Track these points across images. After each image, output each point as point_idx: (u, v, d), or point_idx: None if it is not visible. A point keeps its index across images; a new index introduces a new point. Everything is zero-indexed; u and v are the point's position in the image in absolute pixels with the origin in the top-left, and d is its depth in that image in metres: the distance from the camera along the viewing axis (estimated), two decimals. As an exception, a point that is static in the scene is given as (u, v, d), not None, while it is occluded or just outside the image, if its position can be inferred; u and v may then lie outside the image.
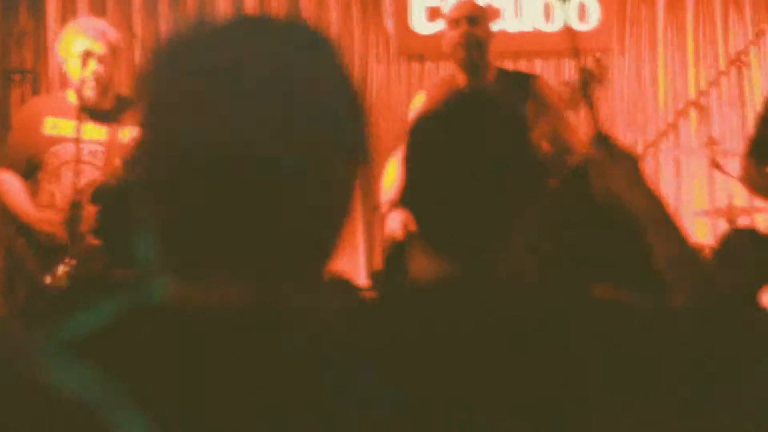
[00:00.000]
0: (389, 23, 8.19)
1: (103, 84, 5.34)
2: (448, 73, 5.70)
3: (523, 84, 5.06)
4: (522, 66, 8.15)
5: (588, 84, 4.68)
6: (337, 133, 1.26)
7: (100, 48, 5.33)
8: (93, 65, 5.29)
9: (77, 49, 5.31)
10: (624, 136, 8.06)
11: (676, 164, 7.99)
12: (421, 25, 8.10)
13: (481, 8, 5.36)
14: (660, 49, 8.19)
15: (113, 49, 5.41)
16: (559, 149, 4.76)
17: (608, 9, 8.11)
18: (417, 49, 8.16)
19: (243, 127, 1.19)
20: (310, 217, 1.23)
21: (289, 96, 1.21)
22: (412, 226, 4.69)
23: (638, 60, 8.21)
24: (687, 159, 7.86)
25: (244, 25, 1.33)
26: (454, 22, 5.04)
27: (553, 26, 8.09)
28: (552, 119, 4.75)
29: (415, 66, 8.26)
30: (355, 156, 1.29)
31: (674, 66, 8.18)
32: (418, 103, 5.25)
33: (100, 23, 5.73)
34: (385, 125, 8.06)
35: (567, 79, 4.88)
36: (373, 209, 7.45)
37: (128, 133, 5.19)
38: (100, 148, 5.34)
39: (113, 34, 5.49)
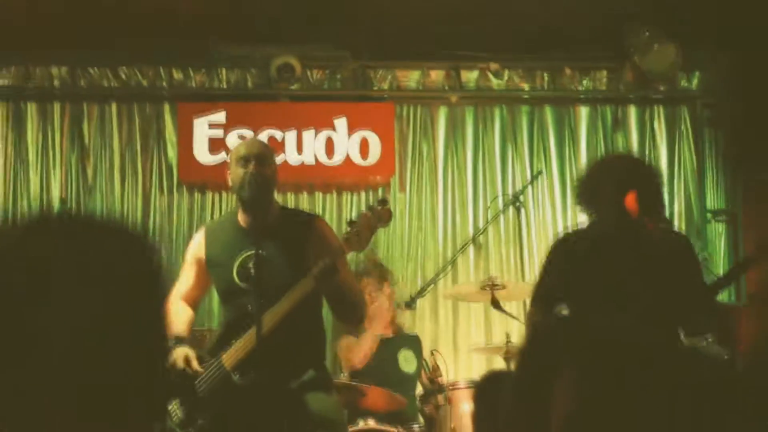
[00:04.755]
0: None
1: None
2: (229, 211, 5.65)
3: (304, 224, 5.01)
4: (303, 198, 8.23)
5: (374, 225, 4.70)
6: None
7: None
8: None
9: None
10: (403, 269, 8.17)
11: (453, 301, 8.11)
12: (203, 155, 8.06)
13: (269, 147, 5.32)
14: (440, 186, 8.36)
15: None
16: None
17: (389, 144, 8.26)
18: (199, 179, 8.11)
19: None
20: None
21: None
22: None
23: (418, 196, 8.35)
24: (465, 297, 7.97)
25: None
26: (242, 160, 4.95)
27: (335, 160, 8.18)
28: (335, 264, 4.71)
29: (197, 196, 8.20)
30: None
31: (454, 203, 8.35)
32: (198, 238, 5.18)
33: None
34: (166, 254, 7.97)
35: (352, 219, 4.82)
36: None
37: None
38: None
39: None
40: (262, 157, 4.96)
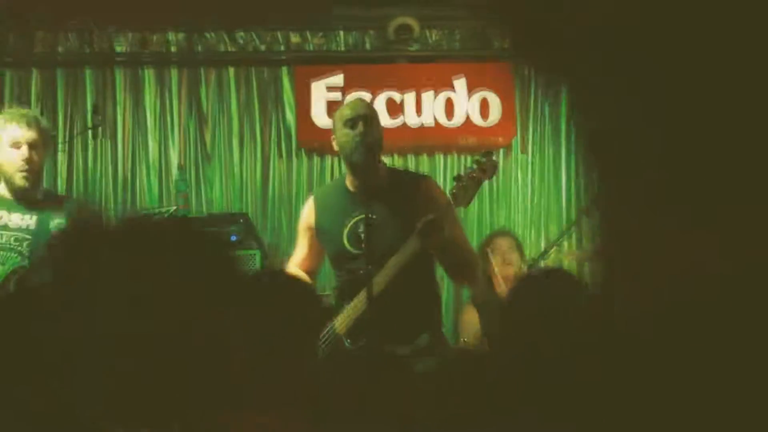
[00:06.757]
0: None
1: (36, 172, 5.16)
2: (337, 176, 5.58)
3: (412, 185, 4.93)
4: (423, 160, 8.10)
5: (480, 178, 4.60)
6: None
7: (32, 136, 5.14)
8: (26, 152, 5.10)
9: (9, 136, 5.12)
10: (526, 231, 8.01)
11: (579, 264, 7.90)
12: (322, 118, 7.97)
13: (372, 107, 5.27)
14: (563, 147, 8.14)
15: (44, 137, 5.23)
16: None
17: (510, 105, 8.06)
18: (318, 143, 8.02)
19: None
20: None
21: None
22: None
23: (541, 157, 8.15)
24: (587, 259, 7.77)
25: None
26: (349, 122, 4.86)
27: (454, 121, 8.02)
28: (440, 220, 4.58)
29: (316, 160, 8.13)
30: None
31: (577, 163, 8.12)
32: (308, 207, 5.10)
33: (30, 111, 5.63)
34: (286, 219, 7.94)
35: (458, 174, 4.71)
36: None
37: (56, 223, 5.06)
38: (27, 236, 5.12)
39: (43, 122, 5.35)
40: (369, 118, 4.88)
